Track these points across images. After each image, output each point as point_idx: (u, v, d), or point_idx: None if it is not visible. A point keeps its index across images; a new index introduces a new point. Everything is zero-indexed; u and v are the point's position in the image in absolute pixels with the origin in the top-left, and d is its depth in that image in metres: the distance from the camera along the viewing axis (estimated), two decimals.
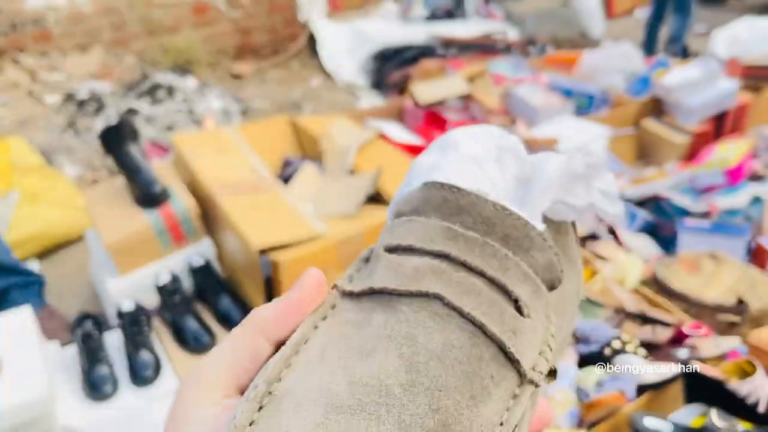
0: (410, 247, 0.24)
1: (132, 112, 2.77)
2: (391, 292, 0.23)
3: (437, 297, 0.23)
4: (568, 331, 0.31)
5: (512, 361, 0.23)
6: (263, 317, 0.25)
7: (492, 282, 0.24)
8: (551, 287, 0.26)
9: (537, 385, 0.24)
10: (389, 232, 0.26)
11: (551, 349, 0.25)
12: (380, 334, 0.22)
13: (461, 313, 0.23)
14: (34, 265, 1.98)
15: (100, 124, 2.68)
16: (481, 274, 0.24)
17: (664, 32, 3.39)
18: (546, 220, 0.29)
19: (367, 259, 0.26)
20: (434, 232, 0.24)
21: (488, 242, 0.24)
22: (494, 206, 0.25)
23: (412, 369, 0.21)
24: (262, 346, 0.25)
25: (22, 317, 1.31)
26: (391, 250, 0.25)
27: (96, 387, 1.30)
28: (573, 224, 0.31)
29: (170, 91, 2.94)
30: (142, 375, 1.33)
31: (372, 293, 0.24)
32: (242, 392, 0.24)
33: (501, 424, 0.22)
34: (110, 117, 2.74)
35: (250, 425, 0.21)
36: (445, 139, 0.28)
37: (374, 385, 0.21)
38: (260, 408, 0.21)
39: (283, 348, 0.23)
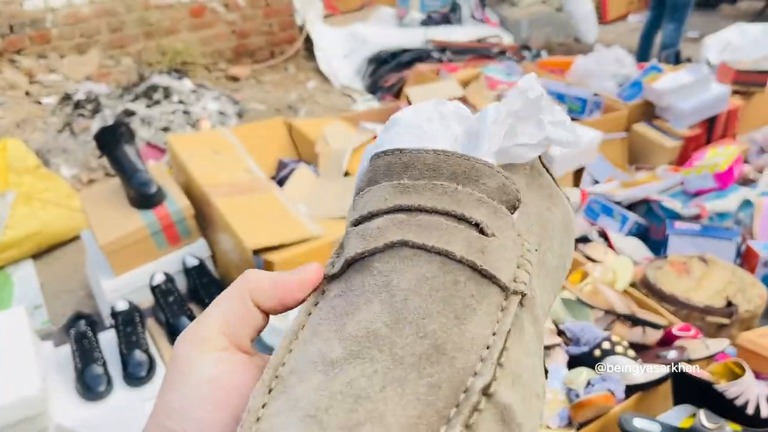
0: (370, 214, 0.26)
1: (128, 113, 2.78)
2: (362, 256, 0.25)
3: (402, 243, 0.24)
4: (565, 259, 0.32)
5: (489, 277, 0.24)
6: (257, 285, 0.26)
7: (449, 215, 0.25)
8: (512, 207, 0.27)
9: (523, 294, 0.24)
10: (351, 210, 0.27)
11: (530, 263, 0.26)
12: (360, 293, 0.24)
13: (426, 249, 0.24)
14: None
15: (96, 125, 2.69)
16: (437, 212, 0.25)
17: (658, 39, 3.41)
18: (516, 167, 0.30)
19: (342, 244, 0.28)
20: (386, 192, 0.26)
21: (436, 183, 0.25)
22: (435, 153, 0.26)
23: (393, 309, 0.23)
24: (251, 310, 0.26)
25: (15, 316, 1.32)
26: (356, 223, 0.26)
27: (90, 387, 1.30)
28: (542, 162, 0.33)
29: (167, 92, 2.94)
30: (135, 375, 1.34)
31: (349, 266, 0.25)
32: (234, 346, 0.26)
33: (494, 334, 0.23)
34: (107, 118, 2.74)
35: (262, 407, 0.22)
36: (389, 120, 0.30)
37: (363, 335, 0.22)
38: (270, 391, 0.22)
39: (283, 337, 0.24)
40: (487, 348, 0.22)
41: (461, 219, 0.25)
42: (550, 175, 0.34)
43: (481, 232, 0.25)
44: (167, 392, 0.24)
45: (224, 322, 0.26)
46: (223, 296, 0.27)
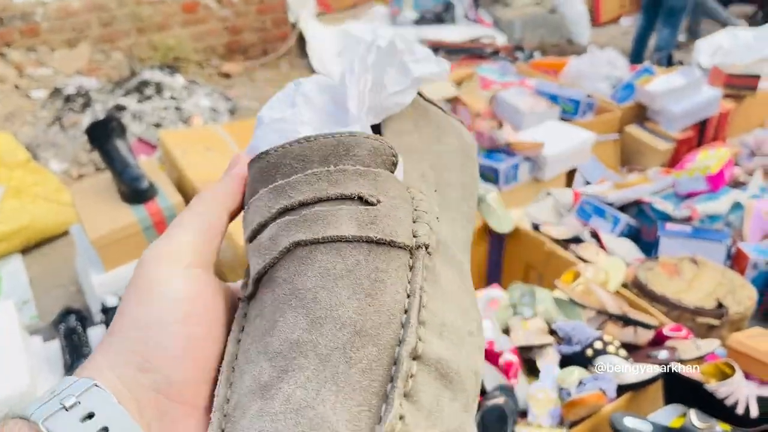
0: (259, 226, 0.25)
1: (119, 108, 2.76)
2: (265, 272, 0.25)
3: (295, 245, 0.24)
4: (470, 183, 0.33)
5: (388, 244, 0.24)
6: (218, 192, 0.27)
7: (330, 199, 0.25)
8: (392, 164, 0.26)
9: (427, 247, 0.24)
10: (244, 224, 0.27)
11: (428, 212, 0.26)
12: (273, 307, 0.24)
13: (319, 242, 0.24)
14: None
15: (86, 119, 2.66)
16: (320, 200, 0.25)
17: (651, 42, 3.43)
18: (400, 114, 0.31)
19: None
20: (266, 200, 0.25)
21: (308, 173, 0.25)
22: (299, 143, 0.26)
23: (306, 311, 0.22)
24: (220, 217, 0.27)
25: (4, 311, 1.30)
26: (251, 238, 0.26)
27: None
28: (424, 97, 0.33)
29: (158, 88, 2.93)
30: None
31: (256, 283, 0.25)
32: (204, 264, 0.26)
33: (408, 296, 0.23)
34: (97, 113, 2.72)
35: None
36: (257, 118, 0.30)
37: (286, 348, 0.22)
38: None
39: (221, 372, 0.24)
40: (405, 312, 0.22)
41: (343, 198, 0.25)
42: (436, 106, 0.34)
43: (367, 203, 0.25)
44: (134, 307, 0.24)
45: (201, 239, 0.26)
46: (200, 210, 0.27)
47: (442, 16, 4.07)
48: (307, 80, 0.30)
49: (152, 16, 3.42)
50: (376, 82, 0.29)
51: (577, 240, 1.59)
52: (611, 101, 2.29)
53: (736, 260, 1.61)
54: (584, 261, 1.46)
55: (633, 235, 1.75)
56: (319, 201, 0.24)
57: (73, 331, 1.38)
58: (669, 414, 1.11)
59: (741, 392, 1.09)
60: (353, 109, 0.28)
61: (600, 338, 1.17)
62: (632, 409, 1.12)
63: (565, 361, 1.17)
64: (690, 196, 1.82)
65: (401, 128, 0.31)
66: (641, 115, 2.28)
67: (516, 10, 4.26)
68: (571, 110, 2.19)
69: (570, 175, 2.05)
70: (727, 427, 1.07)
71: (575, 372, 1.12)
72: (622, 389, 1.11)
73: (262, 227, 0.25)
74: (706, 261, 1.50)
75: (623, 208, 1.80)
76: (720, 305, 1.38)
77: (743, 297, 1.40)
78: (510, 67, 2.64)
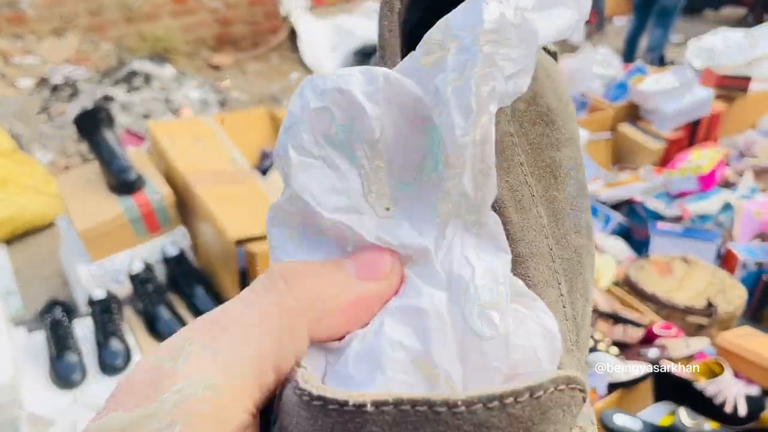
0: None
1: (107, 99, 2.72)
2: None
3: None
4: (589, 236, 0.22)
5: None
6: (324, 314, 0.16)
7: None
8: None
9: None
10: None
11: None
12: None
13: None
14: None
15: (74, 109, 2.63)
16: None
17: (643, 41, 3.44)
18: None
19: None
20: None
21: None
22: (415, 410, 0.13)
23: None
24: (301, 349, 0.16)
25: None
26: None
27: (64, 375, 1.27)
28: (552, 54, 0.22)
29: (147, 79, 2.89)
30: (111, 364, 1.31)
31: None
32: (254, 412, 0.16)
33: None
34: (85, 103, 2.69)
35: None
36: (283, 124, 0.18)
37: None
38: None
39: None
40: None
41: None
42: (555, 71, 0.22)
43: None
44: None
45: (257, 379, 0.15)
46: (258, 328, 0.16)
47: None
48: (385, 94, 0.17)
49: (141, 7, 3.38)
50: (483, 71, 0.16)
51: None
52: (604, 100, 2.29)
53: (725, 260, 1.62)
54: None
55: (624, 233, 1.75)
56: None
57: (58, 323, 1.35)
58: (658, 412, 1.11)
59: (729, 391, 1.09)
60: (467, 170, 0.16)
61: (591, 336, 1.17)
62: (622, 407, 1.12)
63: None
64: (681, 195, 1.82)
65: (504, 145, 0.20)
66: (634, 114, 2.28)
67: None
68: None
69: None
70: (716, 425, 1.07)
71: None
72: (612, 387, 1.11)
73: None
74: (697, 260, 1.50)
75: (615, 207, 1.80)
76: (710, 304, 1.38)
77: (733, 296, 1.40)
78: None
